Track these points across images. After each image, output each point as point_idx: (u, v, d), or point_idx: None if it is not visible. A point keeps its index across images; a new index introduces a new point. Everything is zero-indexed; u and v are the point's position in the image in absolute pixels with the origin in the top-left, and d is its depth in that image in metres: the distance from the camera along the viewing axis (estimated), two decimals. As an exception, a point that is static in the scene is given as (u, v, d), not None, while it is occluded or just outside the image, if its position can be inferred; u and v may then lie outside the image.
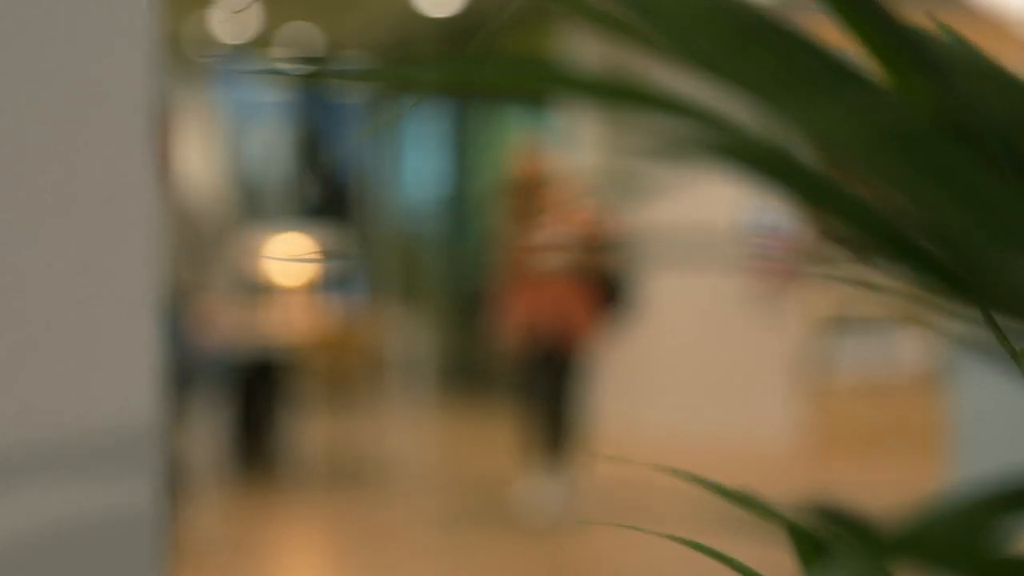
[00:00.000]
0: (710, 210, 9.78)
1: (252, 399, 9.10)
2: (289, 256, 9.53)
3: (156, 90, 1.26)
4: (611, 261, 7.77)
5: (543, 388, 7.92)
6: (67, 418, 1.25)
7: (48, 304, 1.25)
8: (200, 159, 17.31)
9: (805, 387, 10.06)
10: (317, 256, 10.44)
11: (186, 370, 7.36)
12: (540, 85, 0.70)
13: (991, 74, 0.77)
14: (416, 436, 9.06)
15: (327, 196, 16.20)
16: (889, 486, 8.55)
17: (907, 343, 10.00)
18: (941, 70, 0.70)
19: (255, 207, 16.38)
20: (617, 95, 0.69)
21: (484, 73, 0.71)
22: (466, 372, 12.96)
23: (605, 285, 7.81)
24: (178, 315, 7.37)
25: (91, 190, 1.25)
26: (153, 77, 1.27)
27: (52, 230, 1.24)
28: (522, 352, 7.93)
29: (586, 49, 10.42)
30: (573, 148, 11.16)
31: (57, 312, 1.25)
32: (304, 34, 14.28)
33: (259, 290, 10.19)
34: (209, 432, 8.37)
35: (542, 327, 7.79)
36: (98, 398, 1.26)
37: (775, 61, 0.69)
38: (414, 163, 13.81)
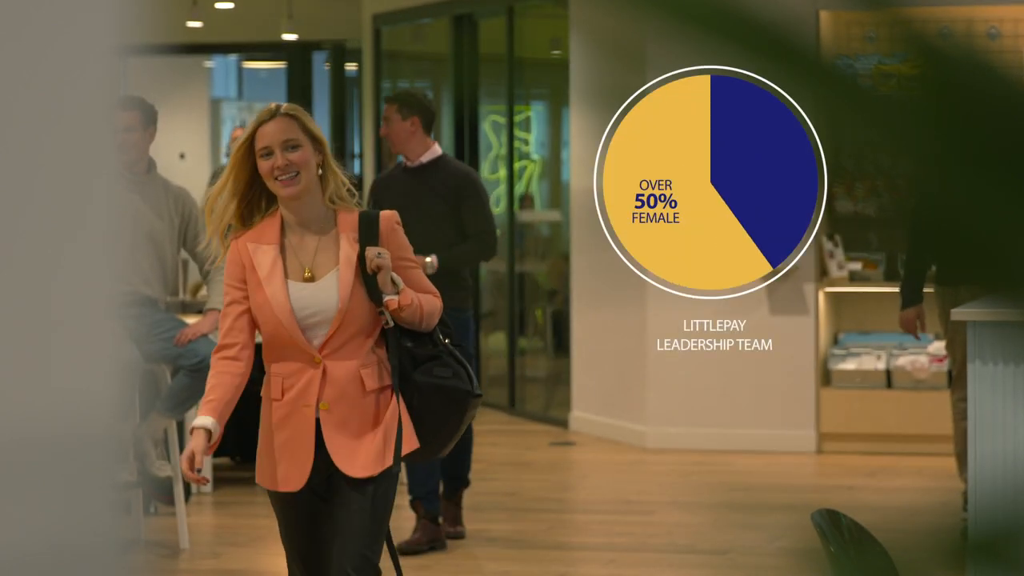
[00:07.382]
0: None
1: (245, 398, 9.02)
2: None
3: (128, 88, 1.21)
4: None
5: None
6: (26, 422, 1.20)
7: (5, 308, 1.19)
8: (196, 155, 17.24)
9: (821, 388, 10.00)
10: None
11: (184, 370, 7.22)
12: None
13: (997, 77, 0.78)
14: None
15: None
16: (906, 487, 8.53)
17: (924, 341, 9.93)
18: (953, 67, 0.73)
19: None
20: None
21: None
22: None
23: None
24: (167, 315, 7.27)
25: (52, 191, 1.20)
26: (120, 76, 1.23)
27: (9, 231, 1.19)
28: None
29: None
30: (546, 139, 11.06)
31: (14, 316, 1.19)
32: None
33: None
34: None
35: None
36: (58, 402, 1.20)
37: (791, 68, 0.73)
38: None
